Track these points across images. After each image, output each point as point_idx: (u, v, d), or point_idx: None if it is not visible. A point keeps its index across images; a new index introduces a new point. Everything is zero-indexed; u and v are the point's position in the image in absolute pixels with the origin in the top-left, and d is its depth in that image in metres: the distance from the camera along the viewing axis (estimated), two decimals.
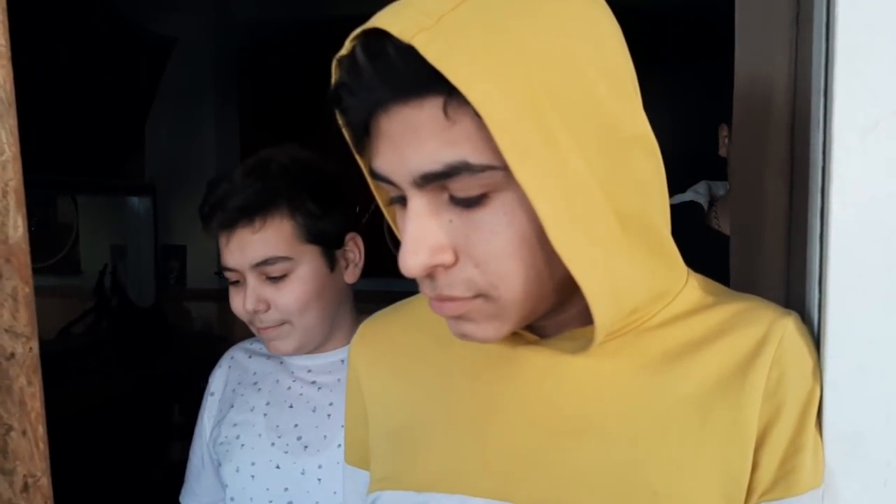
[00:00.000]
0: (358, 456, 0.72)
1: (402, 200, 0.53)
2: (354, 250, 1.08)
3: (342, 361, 1.08)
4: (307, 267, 1.01)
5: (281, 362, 1.11)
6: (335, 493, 0.99)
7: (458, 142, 0.47)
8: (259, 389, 1.09)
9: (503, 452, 0.58)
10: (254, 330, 1.06)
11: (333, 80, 0.51)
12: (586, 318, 0.54)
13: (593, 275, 0.49)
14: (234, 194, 0.99)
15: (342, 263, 1.07)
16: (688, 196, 1.65)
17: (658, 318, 0.59)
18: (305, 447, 1.03)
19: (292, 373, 1.09)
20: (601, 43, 0.50)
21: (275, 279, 1.00)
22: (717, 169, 1.58)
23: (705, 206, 1.63)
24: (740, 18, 0.77)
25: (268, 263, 0.99)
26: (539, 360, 0.59)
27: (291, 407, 1.06)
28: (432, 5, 0.47)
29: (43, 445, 0.74)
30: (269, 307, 1.01)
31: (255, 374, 1.12)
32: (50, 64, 2.28)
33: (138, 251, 3.13)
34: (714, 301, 0.60)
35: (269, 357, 1.13)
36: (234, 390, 1.12)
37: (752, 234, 0.79)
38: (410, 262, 0.50)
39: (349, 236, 1.07)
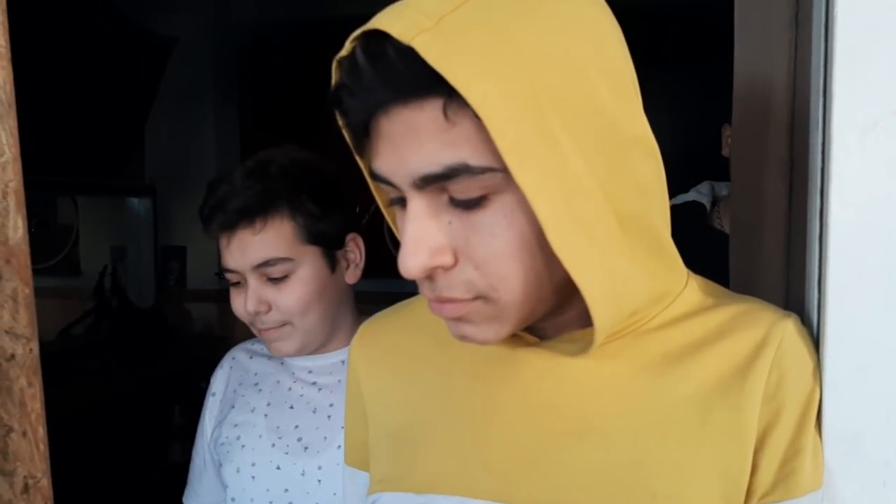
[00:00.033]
0: (358, 457, 0.72)
1: (401, 202, 0.53)
2: (355, 251, 1.08)
3: (343, 362, 1.08)
4: (308, 268, 1.01)
5: (282, 363, 1.11)
6: (335, 494, 0.99)
7: (457, 143, 0.47)
8: (260, 390, 1.10)
9: (503, 454, 0.58)
10: (255, 331, 1.06)
11: (333, 81, 0.51)
12: (586, 320, 0.54)
13: (593, 277, 0.49)
14: (234, 196, 0.99)
15: (343, 264, 1.07)
16: (690, 196, 1.65)
17: (658, 320, 0.58)
18: (306, 448, 1.03)
19: (293, 374, 1.09)
20: (602, 44, 0.50)
21: (276, 280, 1.00)
22: (721, 169, 1.58)
23: (708, 206, 1.62)
24: (740, 18, 0.77)
25: (269, 265, 0.99)
26: (539, 362, 0.59)
27: (292, 408, 1.06)
28: (432, 6, 0.47)
29: (43, 446, 0.74)
30: (270, 308, 1.01)
31: (256, 374, 1.12)
32: (50, 64, 2.28)
33: (138, 252, 3.13)
34: (714, 303, 0.60)
35: (270, 358, 1.12)
36: (234, 391, 1.12)
37: (752, 234, 0.79)
38: (410, 263, 0.50)
39: (350, 237, 1.07)
